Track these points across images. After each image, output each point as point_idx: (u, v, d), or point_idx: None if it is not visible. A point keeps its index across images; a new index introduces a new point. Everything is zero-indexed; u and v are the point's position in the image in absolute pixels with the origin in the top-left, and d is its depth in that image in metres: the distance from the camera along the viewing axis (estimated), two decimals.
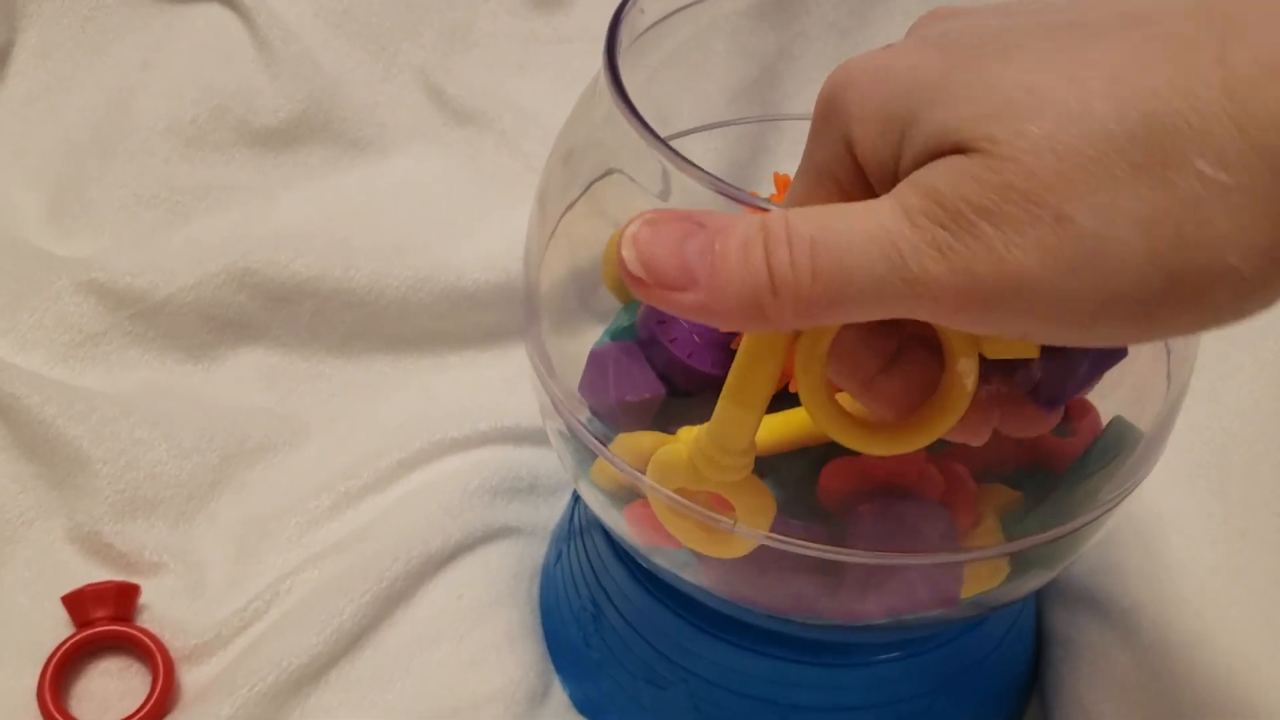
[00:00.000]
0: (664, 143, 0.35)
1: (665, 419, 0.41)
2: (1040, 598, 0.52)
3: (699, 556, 0.41)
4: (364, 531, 0.53)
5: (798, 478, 0.39)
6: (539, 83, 0.50)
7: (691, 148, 0.53)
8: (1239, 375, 0.57)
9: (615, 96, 0.36)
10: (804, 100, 0.59)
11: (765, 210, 0.32)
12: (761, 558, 0.38)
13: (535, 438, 0.57)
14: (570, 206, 0.42)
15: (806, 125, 0.43)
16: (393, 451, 0.56)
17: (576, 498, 0.52)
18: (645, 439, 0.40)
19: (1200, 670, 0.48)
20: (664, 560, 0.42)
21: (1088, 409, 0.43)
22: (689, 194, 0.34)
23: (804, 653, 0.44)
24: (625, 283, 0.28)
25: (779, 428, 0.39)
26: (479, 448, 0.57)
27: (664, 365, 0.42)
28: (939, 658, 0.45)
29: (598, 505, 0.43)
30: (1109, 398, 0.43)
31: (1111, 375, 0.43)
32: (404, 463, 0.56)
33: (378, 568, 0.51)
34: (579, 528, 0.50)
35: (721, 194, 0.33)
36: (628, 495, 0.42)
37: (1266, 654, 0.48)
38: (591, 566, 0.49)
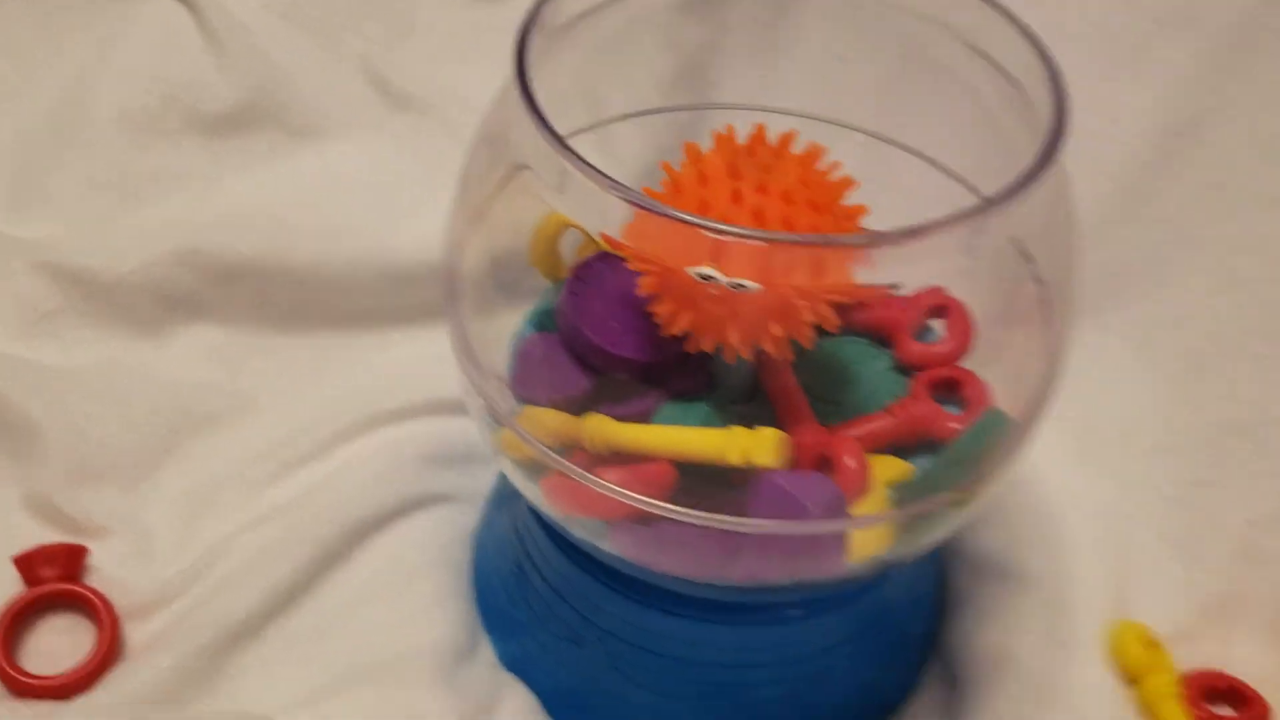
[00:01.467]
0: (561, 141, 0.36)
1: (590, 402, 0.43)
2: (946, 567, 0.55)
3: (610, 526, 0.43)
4: (302, 498, 0.55)
5: None
6: (479, 72, 0.51)
7: (623, 133, 0.54)
8: (1139, 363, 0.59)
9: (520, 94, 0.38)
10: (730, 90, 0.61)
11: (654, 210, 0.35)
12: (664, 528, 0.41)
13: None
14: (493, 194, 0.44)
15: (733, 114, 0.45)
16: (331, 422, 0.58)
17: None
18: (549, 415, 0.43)
19: (1092, 632, 0.50)
20: (579, 529, 0.44)
21: (978, 385, 0.46)
22: (584, 191, 0.36)
23: (713, 613, 0.46)
24: None
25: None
26: (414, 419, 0.59)
27: (585, 351, 0.44)
28: (840, 617, 0.48)
29: (515, 477, 0.45)
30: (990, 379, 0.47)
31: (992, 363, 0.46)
32: (341, 433, 0.58)
33: (314, 531, 0.53)
34: (506, 496, 0.53)
35: (611, 191, 0.35)
36: (538, 468, 0.44)
37: (1143, 613, 0.52)
38: (517, 532, 0.51)
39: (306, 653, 0.50)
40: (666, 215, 0.35)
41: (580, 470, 0.41)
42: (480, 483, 0.57)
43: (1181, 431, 0.57)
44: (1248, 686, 0.50)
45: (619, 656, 0.48)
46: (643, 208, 0.35)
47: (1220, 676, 0.50)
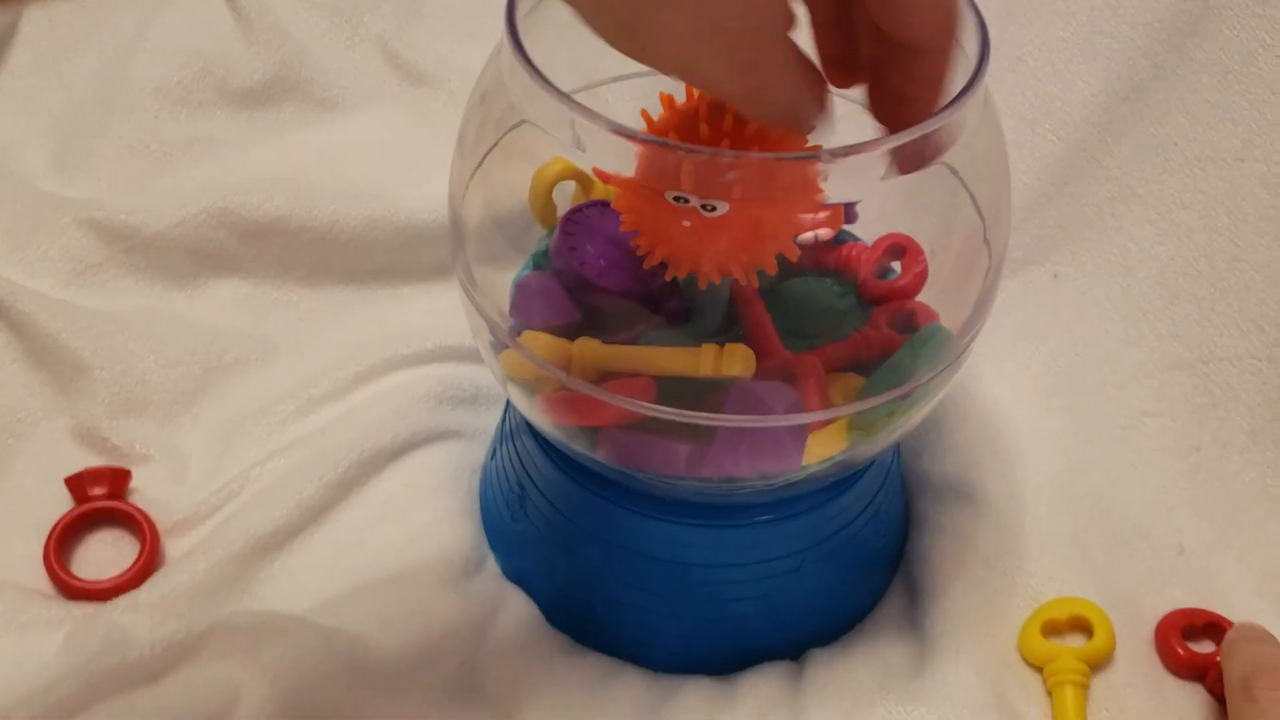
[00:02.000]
0: (566, 96, 0.38)
1: (579, 330, 0.46)
2: (911, 492, 0.57)
3: (600, 435, 0.46)
4: (325, 430, 0.57)
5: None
6: (485, 49, 0.54)
7: (614, 92, 0.56)
8: (1092, 309, 0.61)
9: (515, 52, 0.40)
10: None
11: (635, 137, 0.37)
12: (646, 425, 0.44)
13: (476, 356, 0.60)
14: (489, 150, 0.46)
15: None
16: (350, 365, 0.60)
17: (508, 406, 0.56)
18: (544, 338, 0.46)
19: (1046, 546, 0.54)
20: (573, 442, 0.47)
21: (929, 314, 0.49)
22: (577, 128, 0.38)
23: (692, 516, 0.49)
24: None
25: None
26: (427, 364, 0.61)
27: (576, 284, 0.48)
28: (806, 522, 0.50)
29: (518, 398, 0.48)
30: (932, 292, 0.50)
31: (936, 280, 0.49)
32: (360, 375, 0.60)
33: (335, 457, 0.55)
34: (510, 431, 0.55)
35: (620, 135, 0.37)
36: (538, 385, 0.47)
37: (1093, 534, 0.55)
38: (520, 459, 0.53)
39: (328, 563, 0.53)
40: (647, 141, 0.38)
41: (574, 382, 0.44)
42: (486, 421, 0.59)
43: (1130, 368, 0.59)
44: (1222, 619, 0.52)
45: (608, 560, 0.50)
46: (624, 135, 0.37)
47: (1198, 613, 0.52)
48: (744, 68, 0.34)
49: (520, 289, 0.50)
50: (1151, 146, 0.61)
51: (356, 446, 0.56)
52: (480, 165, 0.47)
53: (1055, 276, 0.62)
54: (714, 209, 0.40)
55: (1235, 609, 0.53)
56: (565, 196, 0.52)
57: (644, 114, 0.43)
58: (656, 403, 0.44)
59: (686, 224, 0.40)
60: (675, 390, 0.44)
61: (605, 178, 0.44)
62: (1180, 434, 0.58)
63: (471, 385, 0.61)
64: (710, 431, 0.45)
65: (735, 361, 0.43)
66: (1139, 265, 0.61)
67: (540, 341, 0.46)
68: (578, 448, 0.48)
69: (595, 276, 0.47)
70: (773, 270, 0.42)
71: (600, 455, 0.47)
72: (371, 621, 0.51)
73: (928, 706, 0.49)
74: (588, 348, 0.45)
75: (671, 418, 0.43)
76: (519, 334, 0.47)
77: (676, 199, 0.40)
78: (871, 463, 0.51)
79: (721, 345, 0.44)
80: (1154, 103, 0.61)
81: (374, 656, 0.49)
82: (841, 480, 0.50)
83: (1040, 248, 0.63)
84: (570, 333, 0.46)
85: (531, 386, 0.47)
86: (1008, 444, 0.57)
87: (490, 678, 0.50)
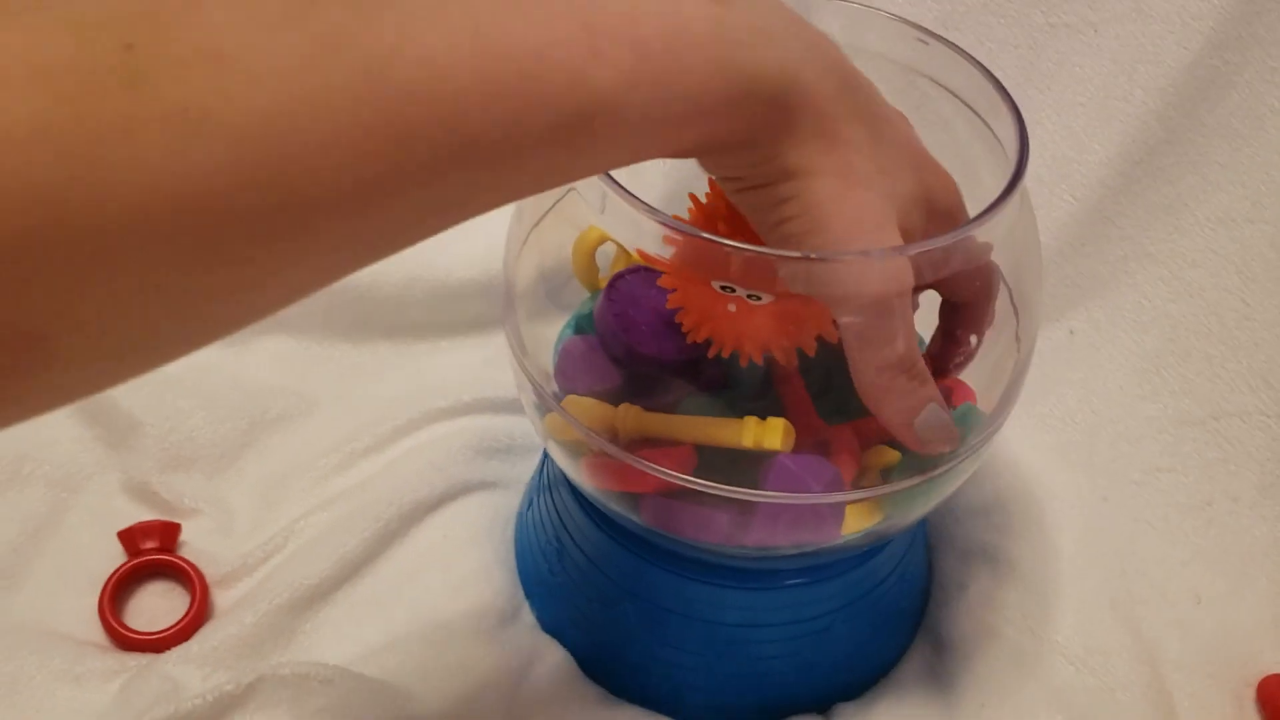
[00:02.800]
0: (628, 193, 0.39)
1: (620, 395, 0.47)
2: (935, 552, 0.58)
3: (640, 500, 0.47)
4: (365, 483, 0.59)
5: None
6: None
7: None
8: (1107, 367, 0.63)
9: None
10: None
11: (693, 233, 0.38)
12: (686, 494, 0.45)
13: (511, 408, 0.62)
14: (541, 218, 0.48)
15: None
16: (390, 419, 0.62)
17: (545, 456, 0.57)
18: (589, 403, 0.47)
19: (1067, 604, 0.54)
20: (613, 504, 0.48)
21: (964, 391, 0.50)
22: (620, 212, 0.39)
23: (728, 579, 0.50)
24: None
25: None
26: (463, 416, 0.62)
27: (619, 350, 0.48)
28: (837, 585, 0.51)
29: (559, 457, 0.49)
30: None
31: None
32: (399, 428, 0.61)
33: (376, 511, 0.56)
34: (547, 482, 0.56)
35: (643, 213, 0.38)
36: (579, 449, 0.47)
37: (1115, 591, 0.56)
38: (557, 511, 0.54)
39: (370, 614, 0.54)
40: (700, 237, 0.38)
41: (617, 449, 0.45)
42: (521, 471, 0.61)
43: (1143, 424, 0.61)
44: None
45: (644, 617, 0.52)
46: (675, 229, 0.38)
47: None
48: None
49: (564, 354, 0.51)
50: (1164, 207, 0.63)
51: (396, 500, 0.57)
52: (534, 230, 0.49)
53: (1071, 333, 0.64)
54: (759, 298, 0.41)
55: (1261, 661, 0.54)
56: (607, 258, 0.53)
57: (691, 197, 0.44)
58: (698, 472, 0.45)
59: (731, 308, 0.41)
60: (716, 461, 0.45)
61: (651, 262, 0.44)
62: (1193, 489, 0.59)
63: (507, 436, 0.62)
64: (751, 503, 0.45)
65: (776, 435, 0.44)
66: (1152, 323, 0.62)
67: (584, 406, 0.48)
68: (618, 509, 0.49)
69: (639, 344, 0.48)
70: (812, 352, 0.43)
71: (641, 519, 0.48)
72: (412, 672, 0.52)
73: None
74: (630, 414, 0.46)
75: (716, 492, 0.45)
76: (562, 399, 0.48)
77: (724, 288, 0.41)
78: None
79: (763, 419, 0.45)
80: (1166, 165, 0.63)
81: (415, 707, 0.50)
82: (873, 546, 0.51)
83: (1057, 305, 0.64)
84: (612, 398, 0.47)
85: (575, 449, 0.48)
86: (1027, 502, 0.58)
87: None
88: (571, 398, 0.48)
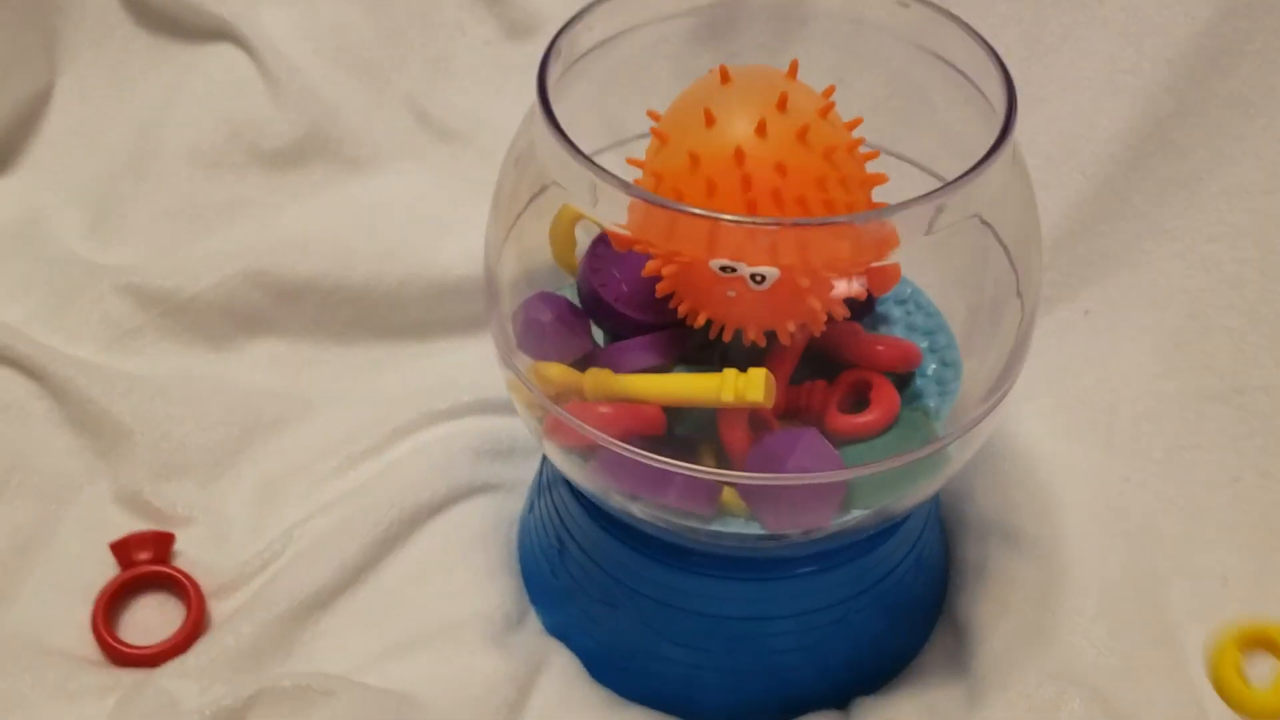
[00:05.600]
0: (587, 159, 0.39)
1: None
2: (953, 536, 0.57)
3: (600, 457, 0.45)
4: (364, 487, 0.58)
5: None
6: (512, 104, 0.53)
7: (641, 149, 0.57)
8: (1125, 345, 0.62)
9: (545, 121, 0.41)
10: None
11: (676, 209, 0.38)
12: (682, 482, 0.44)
13: (512, 408, 0.58)
14: (522, 211, 0.47)
15: None
16: (389, 421, 0.60)
17: (544, 458, 0.56)
18: (554, 368, 0.46)
19: (1089, 585, 0.53)
20: (614, 500, 0.47)
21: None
22: (615, 201, 0.39)
23: (733, 570, 0.49)
24: None
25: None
26: (463, 417, 0.61)
27: (601, 312, 0.48)
28: (849, 571, 0.50)
29: (557, 458, 0.48)
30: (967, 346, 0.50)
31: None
32: (397, 430, 0.60)
33: (376, 515, 0.55)
34: (547, 483, 0.55)
35: (637, 197, 0.38)
36: (585, 452, 0.46)
37: (1138, 570, 0.54)
38: (558, 512, 0.53)
39: (372, 621, 0.53)
40: (689, 213, 0.37)
41: (629, 447, 0.43)
42: (524, 473, 0.60)
43: (1164, 402, 0.60)
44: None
45: (650, 615, 0.51)
46: (664, 206, 0.38)
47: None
48: None
49: (528, 318, 0.49)
50: (1177, 181, 0.62)
51: (397, 504, 0.56)
52: (514, 226, 0.48)
53: (1086, 313, 0.63)
54: (763, 280, 0.40)
55: None
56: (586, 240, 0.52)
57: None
58: (703, 456, 0.44)
59: (731, 294, 0.40)
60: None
61: (645, 247, 0.43)
62: (1218, 466, 0.58)
63: (508, 438, 0.61)
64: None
65: (757, 388, 0.42)
66: (1170, 299, 0.61)
67: (550, 373, 0.47)
68: (617, 503, 0.47)
69: (619, 304, 0.47)
70: (821, 330, 0.43)
71: (636, 512, 0.47)
72: (417, 680, 0.51)
73: None
74: (600, 378, 0.45)
75: (714, 478, 0.44)
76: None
77: (724, 269, 0.40)
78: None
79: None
80: (1178, 138, 0.62)
81: (420, 716, 0.49)
82: (883, 528, 0.50)
83: (1070, 285, 0.63)
84: (580, 365, 0.46)
85: (578, 454, 0.47)
86: (1046, 483, 0.57)
87: None
88: (537, 364, 0.47)
